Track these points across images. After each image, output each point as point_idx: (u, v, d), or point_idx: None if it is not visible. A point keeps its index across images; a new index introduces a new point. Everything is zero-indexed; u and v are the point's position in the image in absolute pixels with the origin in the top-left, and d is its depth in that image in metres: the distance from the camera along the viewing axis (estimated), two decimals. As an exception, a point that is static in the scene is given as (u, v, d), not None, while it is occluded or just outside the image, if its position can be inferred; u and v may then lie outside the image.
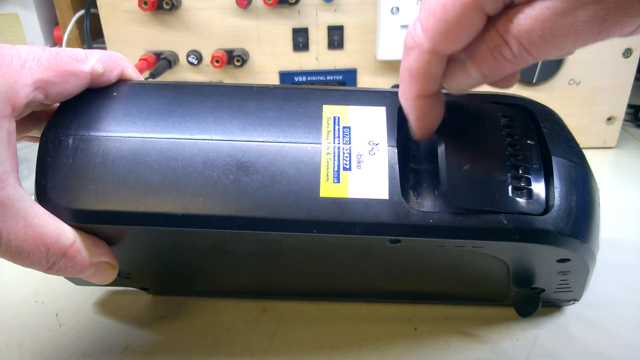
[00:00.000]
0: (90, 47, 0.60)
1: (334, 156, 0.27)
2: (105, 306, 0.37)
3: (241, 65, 0.57)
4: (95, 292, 0.39)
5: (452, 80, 0.26)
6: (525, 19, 0.21)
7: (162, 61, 0.56)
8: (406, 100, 0.27)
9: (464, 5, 0.22)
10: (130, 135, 0.27)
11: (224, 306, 0.37)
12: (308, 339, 0.34)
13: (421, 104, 0.27)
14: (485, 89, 0.28)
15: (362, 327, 0.35)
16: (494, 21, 0.23)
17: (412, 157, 0.30)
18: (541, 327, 0.35)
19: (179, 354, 0.33)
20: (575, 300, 0.35)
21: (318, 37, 0.57)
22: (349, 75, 0.58)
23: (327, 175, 0.27)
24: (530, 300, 0.33)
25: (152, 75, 0.55)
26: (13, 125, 0.25)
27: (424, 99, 0.26)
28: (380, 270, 0.33)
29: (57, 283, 0.39)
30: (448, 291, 0.35)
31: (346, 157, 0.27)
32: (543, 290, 0.33)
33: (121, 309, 0.37)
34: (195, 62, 0.58)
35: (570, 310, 0.36)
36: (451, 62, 0.25)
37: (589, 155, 0.31)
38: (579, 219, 0.27)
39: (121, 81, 0.31)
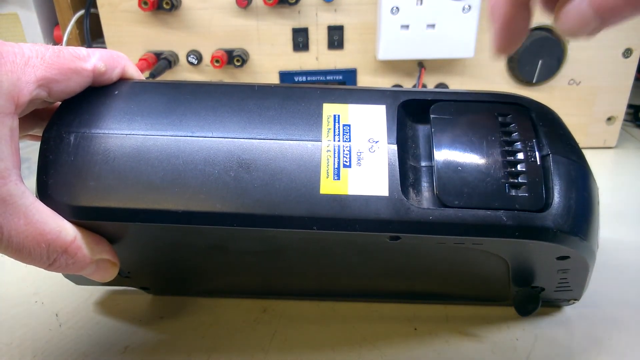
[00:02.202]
0: (90, 47, 0.60)
1: (334, 153, 0.27)
2: (105, 306, 0.37)
3: (241, 65, 0.57)
4: (95, 292, 0.39)
5: (565, 18, 0.23)
6: None
7: (162, 61, 0.56)
8: (495, 2, 0.25)
9: None
10: (132, 133, 0.28)
11: (223, 306, 0.37)
12: (308, 339, 0.34)
13: (511, 11, 0.25)
14: (487, 87, 0.28)
15: (362, 327, 0.35)
16: None
17: (411, 155, 0.30)
18: (541, 327, 0.35)
19: (178, 353, 0.33)
20: (576, 299, 0.35)
21: (318, 37, 0.57)
22: (349, 75, 0.58)
23: (327, 172, 0.27)
24: (530, 299, 0.33)
25: (152, 75, 0.55)
26: (16, 122, 0.25)
27: (516, 5, 0.24)
28: (380, 269, 0.33)
29: (57, 283, 0.39)
30: (448, 291, 0.35)
31: (346, 154, 0.27)
32: (543, 289, 0.33)
33: (121, 308, 0.37)
34: (195, 62, 0.58)
35: (571, 310, 0.36)
36: None
37: (589, 155, 0.31)
38: (578, 216, 0.27)
39: (122, 80, 0.31)
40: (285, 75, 0.59)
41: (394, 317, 0.36)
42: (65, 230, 0.26)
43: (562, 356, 0.32)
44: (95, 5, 0.57)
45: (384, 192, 0.27)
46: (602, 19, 0.22)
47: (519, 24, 0.26)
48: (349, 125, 0.29)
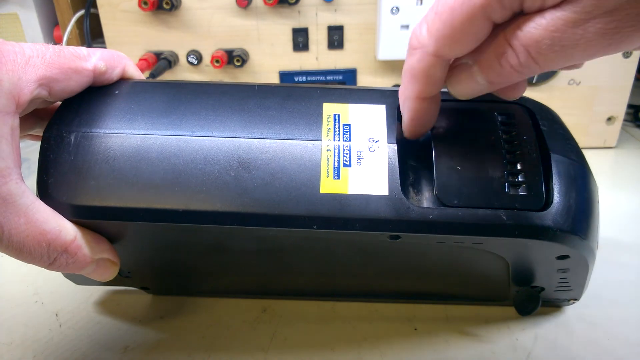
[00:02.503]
0: (90, 47, 0.60)
1: (334, 153, 0.27)
2: (105, 306, 0.37)
3: (241, 65, 0.57)
4: (95, 292, 0.39)
5: (458, 86, 0.26)
6: (534, 27, 0.21)
7: (162, 61, 0.56)
8: (404, 99, 0.27)
9: (471, 10, 0.22)
10: (132, 133, 0.28)
11: (223, 306, 0.37)
12: (308, 339, 0.34)
13: (418, 106, 0.27)
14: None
15: (362, 327, 0.35)
16: (502, 27, 0.23)
17: (411, 155, 0.30)
18: (541, 327, 0.35)
19: (178, 353, 0.33)
20: (575, 299, 0.35)
21: (318, 37, 0.57)
22: (349, 75, 0.58)
23: (328, 171, 0.27)
24: (531, 298, 0.33)
25: (152, 75, 0.55)
26: (17, 122, 0.25)
27: (422, 100, 0.27)
28: (380, 269, 0.33)
29: (57, 283, 0.39)
30: (448, 290, 0.35)
31: (346, 153, 0.27)
32: (543, 289, 0.33)
33: (121, 308, 0.37)
34: (195, 62, 0.58)
35: (571, 310, 0.36)
36: (458, 67, 0.26)
37: (589, 155, 0.31)
38: (578, 215, 0.27)
39: (123, 79, 0.31)
40: (285, 75, 0.59)
41: (394, 317, 0.36)
42: (66, 229, 0.26)
43: (562, 356, 0.32)
44: (95, 5, 0.57)
45: (384, 191, 0.27)
46: (491, 83, 0.25)
47: (427, 116, 0.28)
48: (349, 125, 0.29)
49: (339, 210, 0.26)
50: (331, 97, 0.30)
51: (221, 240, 0.30)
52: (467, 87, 0.26)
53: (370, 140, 0.28)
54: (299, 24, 0.56)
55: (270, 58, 0.58)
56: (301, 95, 0.30)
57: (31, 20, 0.63)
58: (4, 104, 0.24)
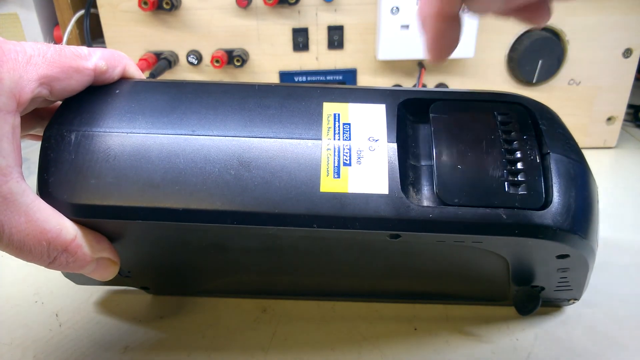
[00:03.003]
0: (90, 47, 0.60)
1: (334, 152, 0.27)
2: (105, 306, 0.37)
3: (241, 65, 0.57)
4: (95, 292, 0.38)
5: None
6: None
7: (162, 61, 0.56)
8: (424, 18, 0.26)
9: None
10: (132, 132, 0.28)
11: (223, 306, 0.37)
12: (308, 339, 0.34)
13: (439, 24, 0.25)
14: (487, 87, 0.28)
15: (362, 327, 0.35)
16: None
17: (411, 154, 0.30)
18: (541, 327, 0.35)
19: (178, 353, 0.33)
20: (575, 299, 0.35)
21: (318, 37, 0.57)
22: (349, 75, 0.58)
23: (328, 170, 0.27)
24: (530, 298, 0.33)
25: (152, 75, 0.55)
26: (18, 120, 0.25)
27: (443, 19, 0.25)
28: (380, 268, 0.33)
29: (57, 283, 0.39)
30: (448, 290, 0.35)
31: (346, 152, 0.28)
32: (543, 288, 0.33)
33: (121, 308, 0.37)
34: (195, 62, 0.58)
35: (571, 310, 0.36)
36: None
37: (589, 155, 0.31)
38: (577, 214, 0.27)
39: (123, 79, 0.31)
40: (285, 75, 0.59)
41: (394, 317, 0.36)
42: (66, 228, 0.26)
43: (562, 356, 0.32)
44: (95, 5, 0.57)
45: (384, 190, 0.27)
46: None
47: (449, 36, 0.26)
48: (349, 124, 0.29)
49: (339, 209, 0.26)
50: (331, 96, 0.30)
51: (221, 240, 0.30)
52: (485, 2, 0.24)
53: (370, 139, 0.28)
54: (299, 24, 0.56)
55: (270, 58, 0.58)
56: (301, 95, 0.30)
57: (31, 20, 0.63)
58: (5, 103, 0.24)
